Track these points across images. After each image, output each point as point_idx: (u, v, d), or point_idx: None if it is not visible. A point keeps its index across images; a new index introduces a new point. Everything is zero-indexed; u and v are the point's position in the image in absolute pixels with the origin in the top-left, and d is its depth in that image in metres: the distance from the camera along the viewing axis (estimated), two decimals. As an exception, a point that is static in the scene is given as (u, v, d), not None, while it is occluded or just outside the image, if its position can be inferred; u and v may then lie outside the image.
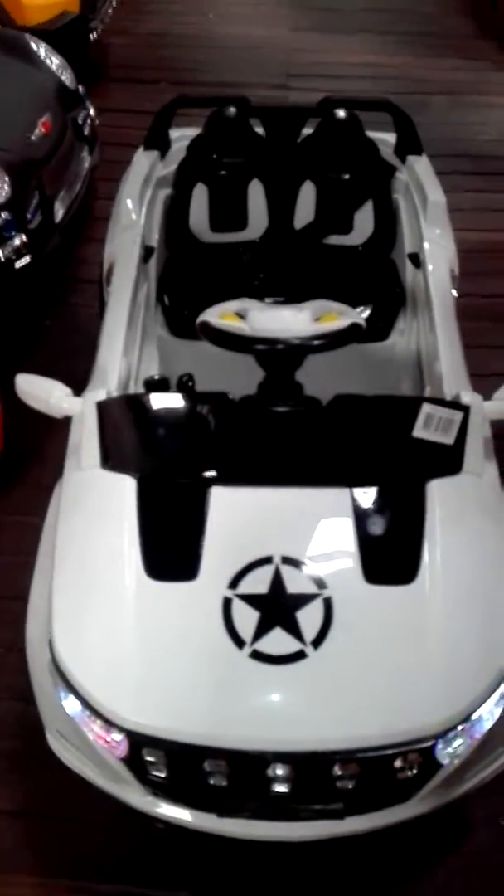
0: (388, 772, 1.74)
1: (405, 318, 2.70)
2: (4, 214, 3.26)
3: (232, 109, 2.87)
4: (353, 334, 2.08)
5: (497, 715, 1.76)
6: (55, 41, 4.18)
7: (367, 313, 2.67)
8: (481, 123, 4.92)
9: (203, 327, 2.10)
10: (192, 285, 2.76)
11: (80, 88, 4.09)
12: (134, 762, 1.75)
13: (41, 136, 3.54)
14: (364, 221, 2.87)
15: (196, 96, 3.16)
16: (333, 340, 2.07)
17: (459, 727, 1.72)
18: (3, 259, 3.27)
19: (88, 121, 4.04)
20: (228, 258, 2.88)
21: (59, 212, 3.60)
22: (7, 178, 3.29)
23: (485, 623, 1.81)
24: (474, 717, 1.73)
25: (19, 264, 3.31)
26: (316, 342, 2.04)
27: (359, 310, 2.57)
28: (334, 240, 2.89)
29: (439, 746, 1.73)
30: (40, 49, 3.98)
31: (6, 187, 3.28)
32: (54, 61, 3.98)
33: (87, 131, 3.99)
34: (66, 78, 3.98)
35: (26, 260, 3.33)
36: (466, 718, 1.73)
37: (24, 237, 3.33)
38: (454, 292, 2.61)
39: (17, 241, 3.30)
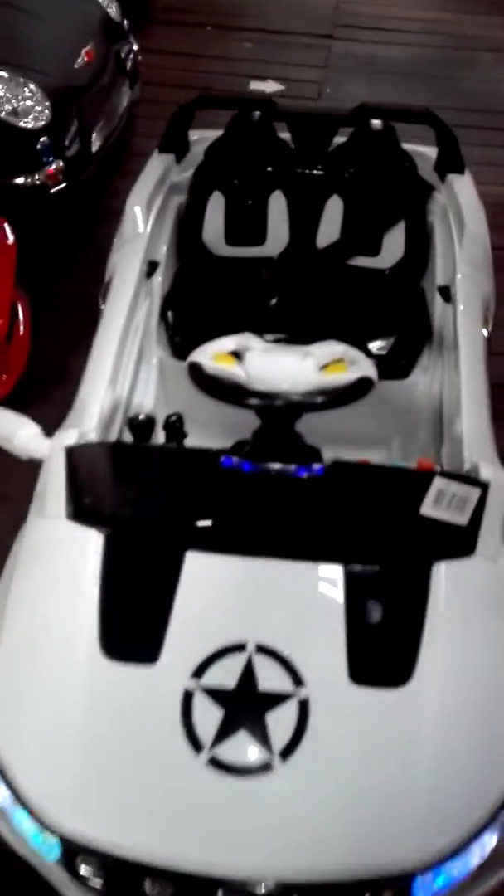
0: None
1: (430, 356, 2.40)
2: (44, 139, 3.31)
3: (256, 113, 2.61)
4: (362, 391, 1.82)
5: (490, 847, 1.52)
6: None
7: (388, 347, 2.39)
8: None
9: (193, 370, 1.85)
10: (201, 302, 2.50)
11: (126, 23, 4.10)
12: (70, 866, 1.54)
13: (84, 64, 3.57)
14: (394, 244, 2.58)
15: (218, 96, 2.91)
16: (337, 398, 1.80)
17: (444, 864, 1.49)
18: (39, 183, 3.32)
19: (131, 55, 4.06)
20: (243, 275, 2.61)
21: (97, 142, 3.64)
22: (48, 103, 3.33)
23: (484, 742, 1.54)
24: (462, 853, 1.49)
25: (54, 189, 3.37)
26: (318, 399, 1.79)
27: (379, 343, 2.37)
28: (360, 261, 2.61)
29: (418, 883, 1.49)
30: (88, -20, 3.99)
31: (47, 112, 3.33)
32: (101, -7, 3.99)
33: (129, 66, 4.01)
34: (112, 11, 3.99)
35: (62, 186, 3.38)
36: (453, 854, 1.48)
37: (60, 163, 3.38)
38: (485, 332, 2.31)
39: (53, 167, 3.36)
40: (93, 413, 1.94)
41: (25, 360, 3.00)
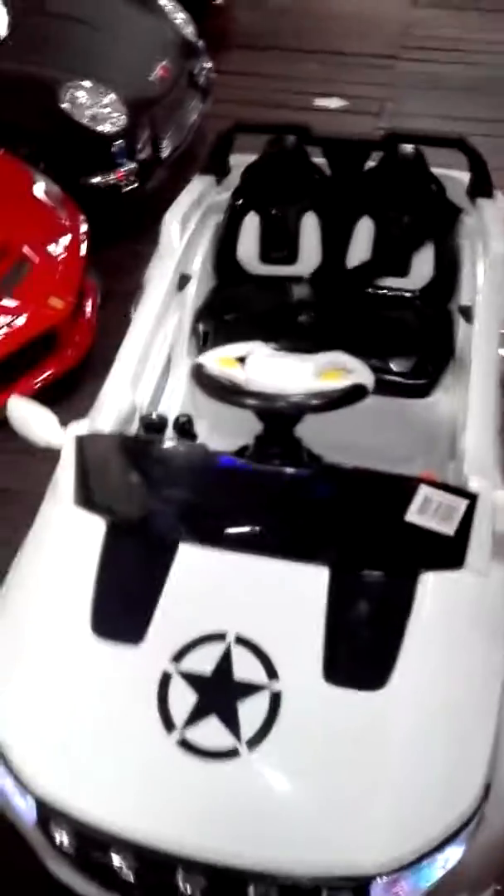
0: None
1: (452, 376, 2.42)
2: (119, 143, 3.64)
3: (291, 138, 2.74)
4: (354, 397, 1.84)
5: (452, 862, 1.51)
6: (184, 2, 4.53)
7: (411, 366, 2.42)
8: None
9: (196, 371, 1.92)
10: (232, 316, 2.58)
11: (201, 43, 4.42)
12: (45, 830, 1.63)
13: (158, 78, 3.90)
14: (423, 265, 2.65)
15: (255, 122, 3.00)
16: (331, 402, 1.83)
17: (404, 871, 1.47)
18: (112, 183, 3.64)
19: (204, 73, 4.37)
20: (275, 292, 2.70)
21: (167, 149, 3.95)
22: (124, 111, 3.66)
23: (454, 755, 1.54)
24: (424, 862, 1.48)
25: (126, 189, 3.68)
26: (312, 402, 1.82)
27: (403, 363, 2.41)
28: (389, 282, 2.68)
29: (375, 888, 1.48)
30: (167, 4, 4.34)
31: (123, 118, 3.66)
32: (178, 16, 4.33)
33: (201, 81, 4.33)
34: (188, 31, 4.32)
35: (133, 186, 3.70)
36: (415, 862, 1.47)
37: (133, 165, 3.70)
38: (502, 352, 2.31)
39: (126, 169, 3.68)
40: (110, 410, 2.03)
41: (90, 342, 3.27)
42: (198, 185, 2.79)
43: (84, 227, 3.32)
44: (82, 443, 1.93)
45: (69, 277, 3.17)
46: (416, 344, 2.49)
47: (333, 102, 4.90)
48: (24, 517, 1.99)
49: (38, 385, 3.07)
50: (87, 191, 3.60)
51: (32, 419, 1.98)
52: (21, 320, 2.99)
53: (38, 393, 3.04)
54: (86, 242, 3.30)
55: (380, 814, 1.47)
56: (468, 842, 1.53)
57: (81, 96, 3.64)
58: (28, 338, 3.00)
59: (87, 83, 3.66)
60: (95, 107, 3.63)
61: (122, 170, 3.67)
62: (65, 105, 3.62)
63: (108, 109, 3.64)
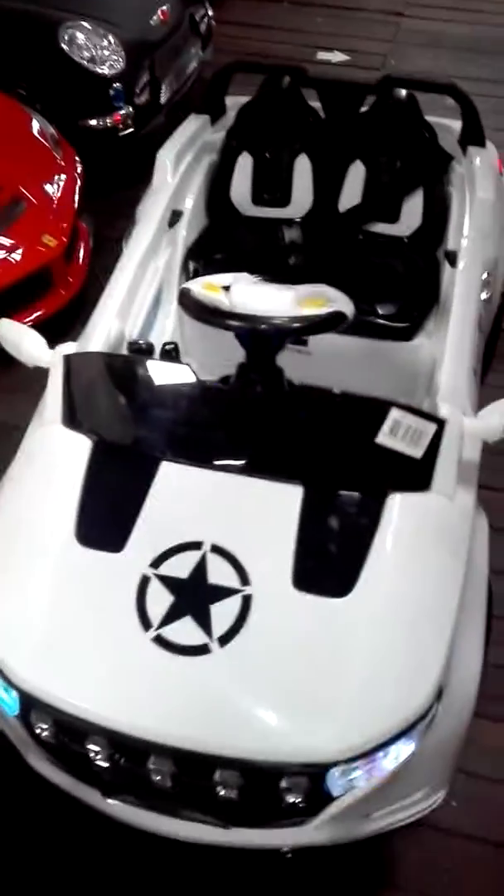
0: (273, 791, 1.61)
1: (435, 321, 2.46)
2: (116, 85, 3.62)
3: (286, 79, 2.72)
4: (334, 323, 1.89)
5: (403, 756, 1.62)
6: None
7: (395, 310, 2.45)
8: None
9: (182, 295, 1.96)
10: (223, 257, 2.59)
11: (203, -12, 4.37)
12: (26, 723, 1.71)
13: (158, 21, 3.87)
14: (413, 212, 2.66)
15: (252, 62, 3.01)
16: (311, 326, 1.89)
17: (358, 761, 1.57)
18: (109, 126, 3.63)
19: (205, 19, 4.33)
20: (266, 234, 2.72)
21: (165, 94, 3.93)
22: (123, 54, 3.64)
23: (410, 658, 1.64)
24: (378, 753, 1.58)
25: (123, 133, 3.67)
26: (294, 325, 1.87)
27: (389, 307, 2.46)
28: (379, 227, 2.69)
29: (332, 776, 1.58)
30: None
31: (121, 61, 3.64)
32: (181, -41, 4.27)
33: (202, 28, 4.29)
34: (191, -24, 4.27)
35: (130, 131, 3.69)
36: (368, 753, 1.57)
37: (130, 109, 3.69)
38: (484, 295, 2.41)
39: (123, 112, 3.66)
40: (99, 336, 2.08)
41: (81, 282, 3.29)
42: (193, 124, 2.79)
43: (79, 169, 3.33)
44: (70, 361, 1.98)
45: (63, 217, 3.18)
46: (402, 289, 2.53)
47: (336, 56, 4.86)
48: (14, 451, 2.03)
49: (29, 324, 3.08)
50: (84, 133, 3.60)
51: (22, 339, 2.02)
52: (15, 256, 3.01)
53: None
54: (80, 184, 3.31)
55: (338, 708, 1.57)
56: (420, 739, 1.63)
57: (80, 37, 3.62)
58: (21, 275, 3.02)
59: (86, 24, 3.63)
60: (94, 48, 3.61)
61: (119, 113, 3.66)
62: (63, 45, 3.59)
63: (107, 51, 3.62)
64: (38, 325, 3.18)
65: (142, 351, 2.07)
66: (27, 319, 3.10)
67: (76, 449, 1.87)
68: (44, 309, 3.15)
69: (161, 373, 1.99)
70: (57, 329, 3.34)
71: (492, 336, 2.77)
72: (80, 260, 3.35)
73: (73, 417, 1.93)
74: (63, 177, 3.26)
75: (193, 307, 1.94)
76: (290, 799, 1.62)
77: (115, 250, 3.52)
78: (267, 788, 1.61)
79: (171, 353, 2.08)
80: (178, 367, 1.98)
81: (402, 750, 1.61)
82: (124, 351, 2.13)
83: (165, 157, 2.62)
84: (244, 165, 2.73)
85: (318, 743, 1.56)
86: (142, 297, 2.31)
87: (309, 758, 1.57)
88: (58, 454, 1.90)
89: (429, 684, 1.61)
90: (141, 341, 2.11)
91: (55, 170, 3.27)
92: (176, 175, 2.60)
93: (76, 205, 3.26)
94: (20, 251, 3.02)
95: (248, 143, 2.73)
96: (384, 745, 1.58)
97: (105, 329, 2.11)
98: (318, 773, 1.59)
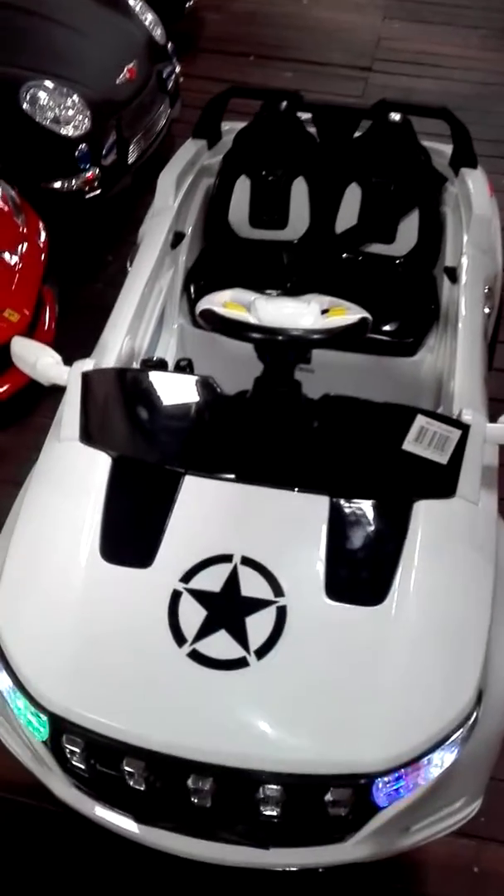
0: (318, 805, 1.57)
1: (436, 337, 2.54)
2: (82, 146, 3.45)
3: (283, 103, 2.78)
4: (363, 329, 1.92)
5: (448, 763, 1.59)
6: (152, 3, 4.37)
7: (396, 327, 2.50)
8: None
9: (205, 315, 1.95)
10: (222, 279, 2.59)
11: (170, 46, 4.26)
12: (56, 748, 1.65)
13: (125, 80, 3.73)
14: (409, 232, 2.72)
15: (249, 87, 3.15)
16: (341, 334, 1.90)
17: (403, 770, 1.55)
18: (75, 188, 3.46)
19: (173, 76, 4.21)
20: (264, 256, 2.76)
21: (133, 154, 3.78)
22: (89, 113, 3.48)
23: (448, 663, 1.62)
24: (423, 761, 1.56)
25: (90, 195, 3.50)
26: (323, 336, 1.88)
27: (389, 327, 2.49)
28: (375, 248, 2.76)
29: (377, 787, 1.55)
30: (136, 4, 4.17)
31: (87, 121, 3.48)
32: (147, 17, 4.16)
33: (170, 86, 4.16)
34: (157, 33, 4.16)
35: (97, 192, 3.52)
36: (413, 761, 1.54)
37: (97, 171, 3.52)
38: (487, 310, 2.47)
39: (90, 174, 3.49)
40: (112, 353, 2.10)
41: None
42: (191, 147, 2.83)
43: (43, 236, 3.14)
44: (88, 379, 1.97)
45: (26, 289, 2.99)
46: (402, 306, 2.59)
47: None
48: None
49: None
50: (48, 196, 3.42)
51: (37, 358, 2.02)
52: (-27, 334, 2.80)
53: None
54: (44, 252, 3.12)
55: (381, 716, 1.56)
56: (462, 745, 1.60)
57: (43, 96, 3.45)
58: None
59: (48, 83, 3.47)
60: (58, 108, 3.44)
61: (85, 175, 3.49)
62: (25, 105, 3.42)
63: (72, 111, 3.46)
64: (4, 401, 3.01)
65: (155, 367, 2.09)
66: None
67: (96, 465, 1.86)
68: (9, 384, 2.94)
69: (182, 387, 1.99)
70: (25, 402, 3.14)
71: (489, 348, 2.81)
72: (46, 327, 3.15)
73: (91, 434, 1.92)
74: (25, 245, 3.07)
75: (219, 323, 1.93)
76: (336, 812, 1.58)
77: (83, 314, 3.37)
78: (311, 803, 1.58)
79: (185, 370, 2.12)
80: (199, 381, 1.97)
81: (446, 757, 1.59)
82: (137, 366, 2.15)
83: (166, 180, 2.67)
84: (242, 188, 2.79)
85: (363, 753, 1.54)
86: (148, 316, 2.35)
87: (356, 768, 1.54)
88: (77, 471, 1.88)
89: (469, 687, 1.60)
90: (155, 358, 2.14)
91: (17, 238, 3.07)
92: (178, 196, 2.65)
93: (40, 274, 3.06)
94: (-21, 328, 2.82)
95: (246, 165, 2.78)
96: (428, 752, 1.56)
97: (116, 346, 2.13)
98: (364, 784, 1.55)
